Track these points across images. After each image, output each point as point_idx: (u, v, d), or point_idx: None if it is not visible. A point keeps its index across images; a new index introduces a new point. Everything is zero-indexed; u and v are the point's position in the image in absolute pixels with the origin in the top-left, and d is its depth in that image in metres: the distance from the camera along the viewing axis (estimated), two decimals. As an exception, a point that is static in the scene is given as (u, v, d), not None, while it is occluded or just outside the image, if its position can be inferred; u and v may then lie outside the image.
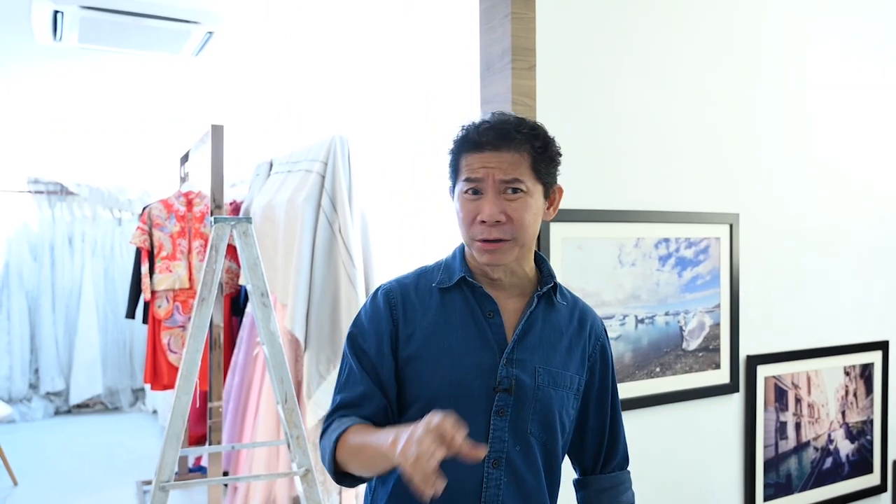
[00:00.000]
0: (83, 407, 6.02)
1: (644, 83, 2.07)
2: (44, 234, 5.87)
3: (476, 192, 1.12)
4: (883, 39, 2.56)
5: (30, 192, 5.84)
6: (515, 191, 1.11)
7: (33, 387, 5.83)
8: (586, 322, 1.26)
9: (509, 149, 1.11)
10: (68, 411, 5.97)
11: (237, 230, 2.21)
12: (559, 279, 1.27)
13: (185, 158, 4.10)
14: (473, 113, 2.07)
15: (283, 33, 3.69)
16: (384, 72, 4.02)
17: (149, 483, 3.89)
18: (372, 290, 3.19)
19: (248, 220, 2.21)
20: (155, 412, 5.77)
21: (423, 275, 1.24)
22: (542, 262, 1.26)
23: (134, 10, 3.28)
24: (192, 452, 2.78)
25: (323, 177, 3.00)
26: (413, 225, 3.56)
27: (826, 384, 2.53)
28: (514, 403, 1.15)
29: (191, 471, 4.04)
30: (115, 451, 4.97)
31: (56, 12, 3.30)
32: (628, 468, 1.36)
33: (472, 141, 1.13)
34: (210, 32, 3.61)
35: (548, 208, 1.20)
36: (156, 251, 3.69)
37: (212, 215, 2.79)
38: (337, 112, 4.55)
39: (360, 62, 3.99)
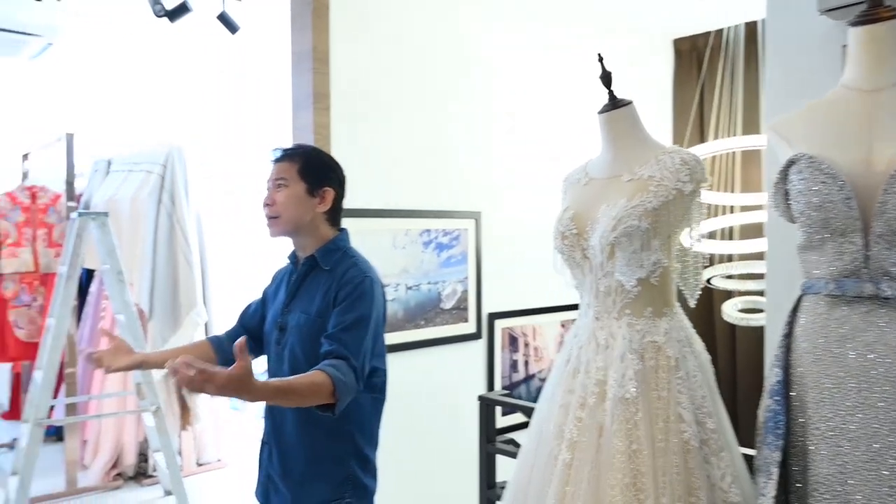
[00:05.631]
0: None
1: (410, 116, 2.91)
2: None
3: (268, 188, 1.76)
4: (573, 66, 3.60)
5: None
6: (280, 185, 1.73)
7: None
8: (336, 279, 1.73)
9: (283, 161, 1.76)
10: None
11: (96, 222, 2.80)
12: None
13: (25, 157, 4.46)
14: (289, 136, 2.80)
15: (123, 49, 4.16)
16: (217, 91, 4.63)
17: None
18: (205, 273, 3.88)
19: (106, 214, 2.81)
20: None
21: None
22: (332, 243, 1.78)
23: (-25, 22, 3.63)
24: (55, 403, 3.28)
25: (163, 177, 3.61)
26: (242, 217, 4.23)
27: (547, 333, 3.56)
28: (284, 336, 1.75)
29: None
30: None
31: None
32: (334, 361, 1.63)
33: (272, 159, 1.81)
34: (49, 43, 4.01)
35: (318, 202, 1.75)
36: (1, 238, 4.06)
37: (69, 210, 3.30)
38: (173, 121, 5.05)
39: (196, 79, 4.56)
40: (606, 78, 1.55)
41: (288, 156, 1.77)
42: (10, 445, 4.28)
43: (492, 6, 3.20)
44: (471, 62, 3.13)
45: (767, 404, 1.28)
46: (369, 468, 1.80)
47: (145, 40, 3.96)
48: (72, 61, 4.30)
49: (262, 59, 4.11)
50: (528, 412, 2.36)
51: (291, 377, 1.52)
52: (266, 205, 1.75)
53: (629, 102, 1.56)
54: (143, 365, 1.82)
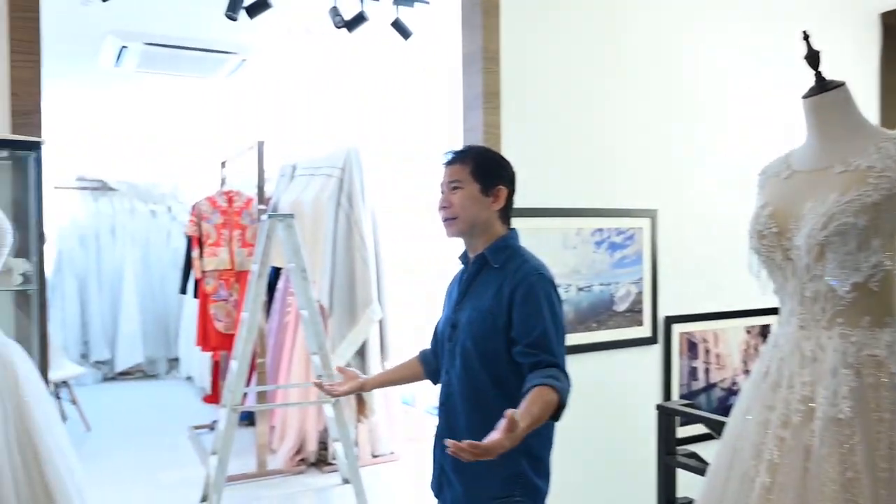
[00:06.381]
0: (126, 374, 6.92)
1: (580, 113, 2.82)
2: (89, 225, 6.74)
3: (442, 191, 1.80)
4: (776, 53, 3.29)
5: (77, 188, 6.69)
6: (455, 187, 1.76)
7: (84, 356, 6.72)
8: (508, 276, 1.74)
9: (455, 163, 1.79)
10: (114, 378, 6.87)
11: (283, 223, 2.99)
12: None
13: (223, 164, 4.93)
14: (459, 137, 2.83)
15: (305, 60, 4.44)
16: (392, 99, 4.82)
17: (199, 427, 4.73)
18: (380, 272, 4.03)
19: (292, 216, 2.99)
20: (189, 378, 6.61)
21: None
22: (502, 240, 1.81)
23: (186, 45, 4.04)
24: (248, 390, 3.59)
25: (341, 180, 3.79)
26: (413, 217, 4.35)
27: (730, 339, 3.30)
28: (456, 333, 1.80)
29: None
30: (161, 407, 5.86)
31: (122, 47, 4.06)
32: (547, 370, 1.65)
33: (444, 162, 1.84)
34: (244, 60, 4.37)
35: (492, 201, 1.78)
36: (204, 239, 4.52)
37: (260, 213, 3.58)
38: (350, 126, 5.34)
39: (372, 88, 4.77)
40: (813, 58, 1.38)
41: (459, 158, 1.80)
42: (211, 427, 4.72)
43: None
44: (644, 51, 2.98)
45: None
46: (541, 469, 1.78)
47: (326, 50, 4.20)
48: (262, 75, 4.66)
49: (432, 62, 4.20)
50: (713, 425, 2.19)
51: (529, 404, 1.51)
52: (442, 207, 1.79)
53: (841, 84, 1.37)
54: (363, 388, 2.00)
